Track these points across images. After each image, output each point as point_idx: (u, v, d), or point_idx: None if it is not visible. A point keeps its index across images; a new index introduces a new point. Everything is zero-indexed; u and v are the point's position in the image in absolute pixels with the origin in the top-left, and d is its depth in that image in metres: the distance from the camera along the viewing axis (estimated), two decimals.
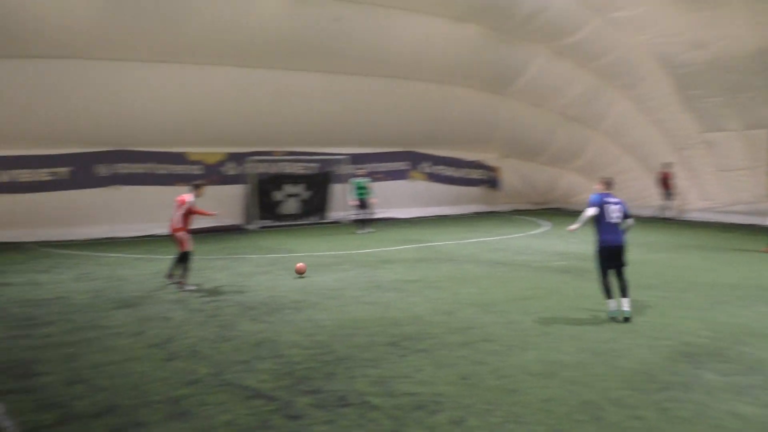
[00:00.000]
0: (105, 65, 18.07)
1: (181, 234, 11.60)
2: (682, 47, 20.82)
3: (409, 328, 8.56)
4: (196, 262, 14.24)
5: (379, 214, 23.64)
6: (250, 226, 21.12)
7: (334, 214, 23.23)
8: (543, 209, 28.02)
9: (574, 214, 26.14)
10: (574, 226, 9.41)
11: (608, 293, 9.11)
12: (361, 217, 20.19)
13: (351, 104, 22.09)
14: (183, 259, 11.57)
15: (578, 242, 17.51)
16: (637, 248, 16.39)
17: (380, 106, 22.74)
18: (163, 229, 19.67)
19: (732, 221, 21.98)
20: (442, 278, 12.23)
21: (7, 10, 15.76)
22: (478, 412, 5.73)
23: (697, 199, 23.51)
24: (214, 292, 11.16)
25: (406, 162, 25.18)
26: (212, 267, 13.72)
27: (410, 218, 24.08)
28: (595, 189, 9.47)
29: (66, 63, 17.58)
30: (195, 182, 12.44)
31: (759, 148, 21.28)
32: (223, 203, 21.39)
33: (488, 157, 27.03)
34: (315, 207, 22.78)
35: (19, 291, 11.52)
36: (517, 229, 20.65)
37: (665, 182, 19.25)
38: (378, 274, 12.71)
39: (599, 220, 9.04)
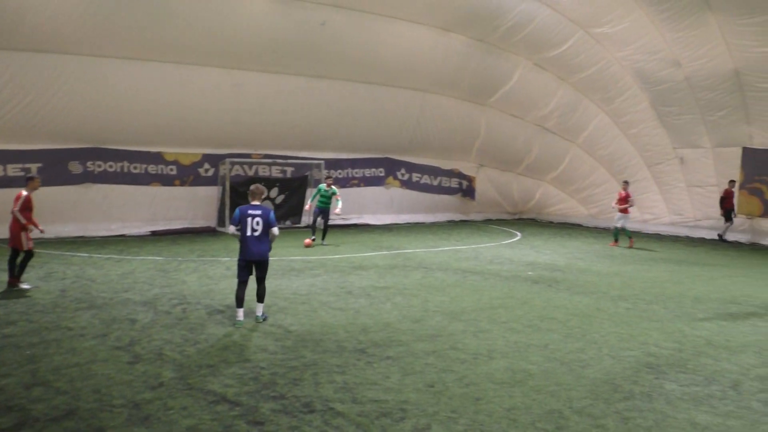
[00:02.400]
0: (83, 61, 17.77)
1: (18, 232, 11.21)
2: (660, 65, 21.21)
3: (378, 335, 8.56)
4: (167, 264, 14.11)
5: (353, 220, 23.65)
6: (223, 229, 20.96)
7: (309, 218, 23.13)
8: (517, 219, 28.21)
9: (549, 224, 26.41)
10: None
11: None
12: (316, 225, 19.23)
13: (331, 109, 22.08)
14: (25, 258, 11.31)
15: (550, 253, 17.67)
16: (607, 260, 16.61)
17: (360, 111, 22.76)
18: (135, 229, 19.66)
19: (700, 236, 22.36)
20: (413, 285, 12.25)
21: None
22: (443, 420, 5.75)
23: (668, 213, 23.87)
24: (183, 294, 11.04)
25: (382, 168, 25.21)
26: (182, 269, 13.58)
27: (384, 225, 24.10)
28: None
29: (43, 57, 17.25)
30: (28, 176, 12.22)
31: (729, 165, 21.69)
32: (197, 204, 21.32)
33: (465, 166, 27.16)
34: (289, 211, 22.66)
35: None
36: (490, 239, 20.77)
37: (623, 201, 19.48)
38: (349, 280, 12.68)
39: None
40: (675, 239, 21.89)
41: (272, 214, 9.19)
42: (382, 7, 19.87)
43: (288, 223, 22.45)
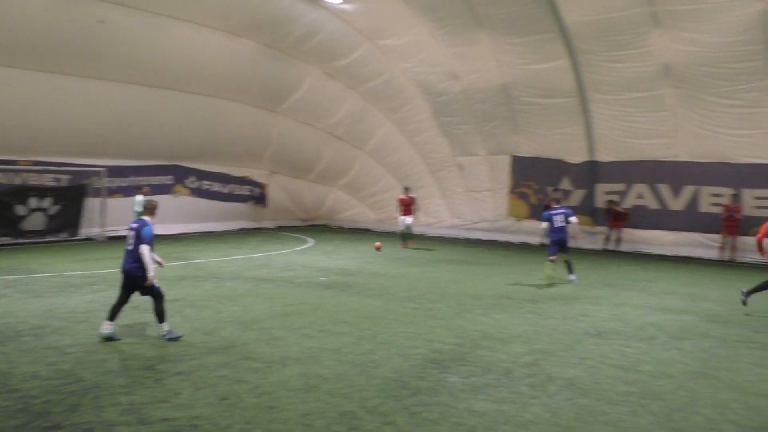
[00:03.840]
0: None
1: None
2: (440, 77, 22.76)
3: (167, 350, 8.17)
4: None
5: None
6: None
7: (88, 230, 21.42)
8: (309, 226, 28.54)
9: (340, 230, 27.05)
10: None
11: None
12: None
13: (112, 113, 20.55)
14: None
15: (342, 258, 18.11)
16: (395, 263, 17.40)
17: (144, 116, 21.50)
18: None
19: (477, 237, 24.26)
20: (205, 296, 11.88)
21: None
22: None
23: (450, 216, 25.61)
24: None
25: (170, 176, 24.14)
26: None
27: (173, 235, 23.08)
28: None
29: None
30: None
31: (501, 172, 23.83)
32: None
33: (257, 173, 26.92)
34: (65, 223, 20.82)
35: None
36: (282, 246, 20.78)
37: (406, 206, 20.66)
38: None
39: None
40: (455, 241, 23.51)
41: (146, 230, 8.66)
42: (166, 8, 19.06)
43: (64, 235, 20.67)
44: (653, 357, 8.32)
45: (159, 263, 9.13)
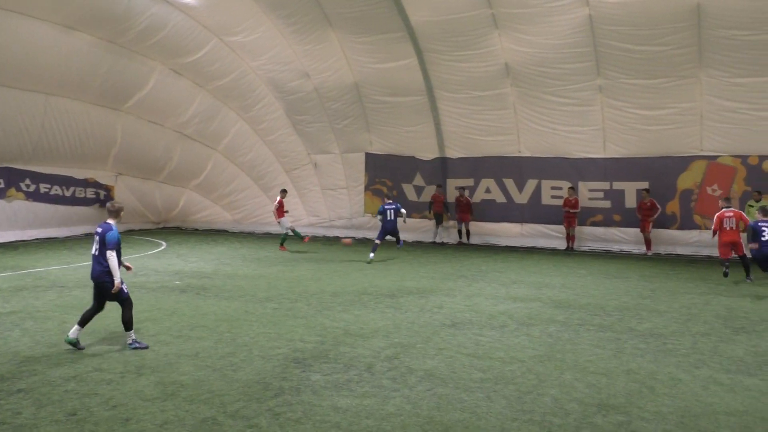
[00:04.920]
0: None
1: None
2: (291, 75, 22.64)
3: (4, 367, 7.54)
4: None
5: None
6: None
7: None
8: (162, 228, 27.39)
9: (194, 232, 26.19)
10: None
11: None
12: None
13: None
14: None
15: (197, 260, 17.56)
16: (253, 264, 17.15)
17: None
18: None
19: (335, 234, 24.42)
20: (47, 307, 11.06)
21: None
22: None
23: (306, 215, 25.57)
24: None
25: (1, 180, 22.16)
26: None
27: (7, 243, 21.24)
28: None
29: None
30: None
31: (356, 169, 24.14)
32: None
33: (101, 175, 25.37)
34: None
35: None
36: (134, 250, 19.78)
37: (280, 209, 20.43)
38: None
39: None
40: (314, 239, 23.52)
41: (110, 235, 8.27)
42: None
43: None
44: (504, 344, 8.81)
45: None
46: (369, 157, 23.86)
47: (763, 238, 12.82)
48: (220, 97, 24.19)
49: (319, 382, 7.06)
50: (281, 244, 20.55)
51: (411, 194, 23.35)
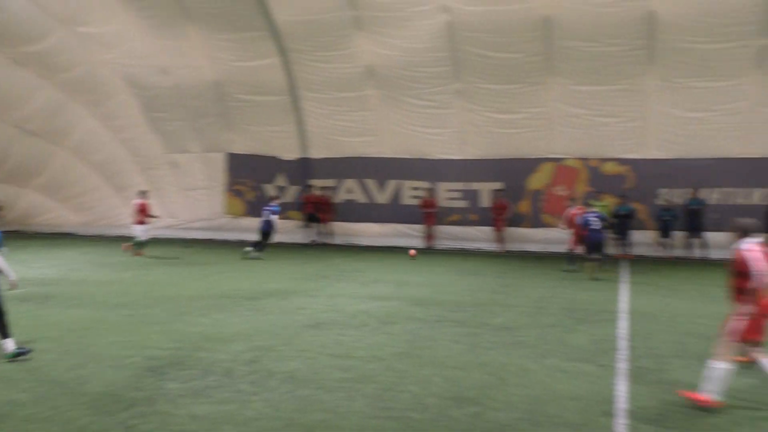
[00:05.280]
0: None
1: None
2: (148, 71, 21.62)
3: None
4: None
5: None
6: None
7: None
8: None
9: (37, 236, 24.32)
10: None
11: None
12: None
13: None
14: None
15: (41, 266, 16.35)
16: (105, 269, 16.21)
17: None
18: None
19: (193, 236, 23.58)
20: None
21: None
22: None
23: (164, 216, 24.43)
24: None
25: None
26: None
27: None
28: None
29: None
30: None
31: (216, 169, 23.46)
32: None
33: None
34: None
35: None
36: None
37: (142, 211, 19.26)
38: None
39: None
40: (171, 241, 22.58)
41: None
42: None
43: None
44: (365, 343, 8.90)
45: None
46: (230, 156, 23.29)
47: (591, 227, 15.19)
48: (68, 90, 22.61)
49: (176, 391, 6.77)
50: (133, 247, 19.26)
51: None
